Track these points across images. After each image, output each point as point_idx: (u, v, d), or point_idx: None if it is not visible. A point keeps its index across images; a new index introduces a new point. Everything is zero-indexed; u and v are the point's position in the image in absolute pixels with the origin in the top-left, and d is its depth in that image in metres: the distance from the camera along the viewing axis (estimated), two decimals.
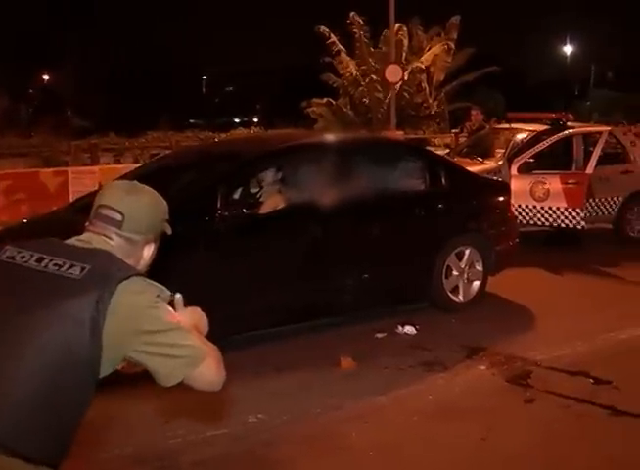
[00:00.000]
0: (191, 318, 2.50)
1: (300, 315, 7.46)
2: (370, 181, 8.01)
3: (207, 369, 2.35)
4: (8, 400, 2.18)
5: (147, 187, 2.62)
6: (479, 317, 8.17)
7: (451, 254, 8.36)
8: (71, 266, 2.28)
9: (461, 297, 8.48)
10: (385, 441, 5.29)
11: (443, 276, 8.29)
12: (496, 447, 5.17)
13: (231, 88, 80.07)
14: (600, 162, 11.91)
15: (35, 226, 7.50)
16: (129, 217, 2.47)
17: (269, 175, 7.79)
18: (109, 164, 20.75)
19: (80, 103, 52.18)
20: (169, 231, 2.65)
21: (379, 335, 7.57)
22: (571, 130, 12.80)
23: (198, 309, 2.58)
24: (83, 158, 21.57)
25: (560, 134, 12.44)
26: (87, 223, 2.53)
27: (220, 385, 2.41)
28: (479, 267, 8.55)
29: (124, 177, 8.33)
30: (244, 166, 7.50)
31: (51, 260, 2.32)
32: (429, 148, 16.20)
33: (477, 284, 8.56)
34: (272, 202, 7.43)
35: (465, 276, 8.47)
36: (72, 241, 2.46)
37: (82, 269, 2.27)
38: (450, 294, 8.40)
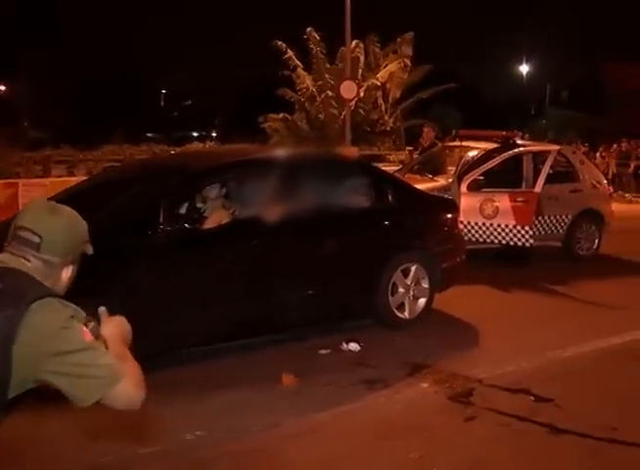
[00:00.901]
0: (116, 329, 2.53)
1: (244, 332, 7.39)
2: (316, 197, 7.98)
3: (125, 388, 2.35)
4: None
5: (67, 208, 2.60)
6: (424, 334, 8.15)
7: (397, 270, 8.33)
8: None
9: (407, 314, 8.45)
10: (322, 458, 5.24)
11: (389, 293, 8.26)
12: (432, 466, 5.13)
13: (189, 102, 79.85)
14: (549, 180, 12.02)
15: None
16: (47, 240, 2.45)
17: (214, 190, 7.73)
18: (61, 176, 20.48)
19: (37, 114, 51.67)
20: (90, 251, 2.63)
21: (322, 352, 7.52)
22: (520, 149, 12.89)
23: (123, 319, 2.60)
24: (35, 170, 21.30)
25: (510, 152, 12.51)
26: (5, 244, 2.50)
27: (139, 404, 2.41)
28: (425, 284, 8.54)
29: (69, 190, 8.24)
30: (188, 181, 7.43)
31: None
32: (380, 165, 16.24)
33: (423, 301, 8.54)
34: (216, 217, 7.37)
35: (411, 293, 8.45)
36: None
37: None
38: (396, 311, 8.36)
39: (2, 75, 58.23)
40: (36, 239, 2.45)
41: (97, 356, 2.33)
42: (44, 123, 47.86)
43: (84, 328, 2.36)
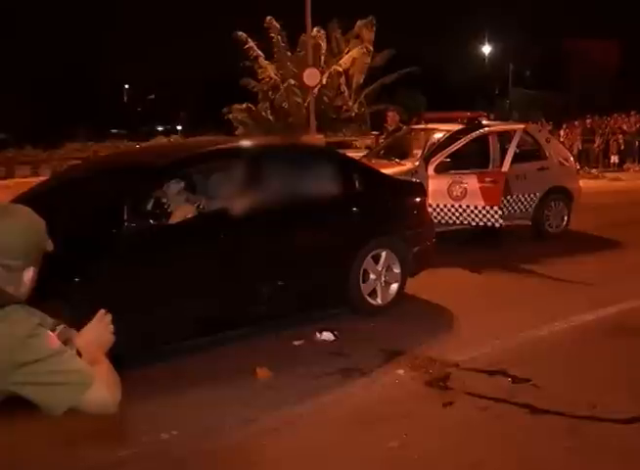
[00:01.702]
0: (92, 334, 2.48)
1: (214, 326, 7.27)
2: (282, 186, 7.89)
3: (97, 393, 2.31)
4: None
5: (21, 207, 2.51)
6: (398, 320, 8.10)
7: (367, 257, 8.25)
8: None
9: (379, 300, 8.38)
10: (301, 452, 5.16)
11: (360, 280, 8.18)
12: (413, 453, 5.07)
13: (153, 96, 79.42)
14: (516, 159, 12.02)
15: None
16: (4, 244, 2.35)
17: (178, 185, 7.61)
18: (26, 176, 20.27)
19: None
20: (50, 248, 2.52)
21: (296, 342, 7.42)
22: (486, 129, 12.85)
23: (104, 319, 2.54)
24: None
25: (475, 133, 12.45)
26: None
27: (114, 407, 2.38)
28: (396, 270, 8.47)
29: (32, 190, 8.08)
30: (151, 176, 7.29)
31: None
32: (347, 151, 16.16)
33: (395, 287, 8.48)
34: (181, 211, 7.24)
35: (382, 279, 8.38)
36: None
37: None
38: (368, 298, 8.30)
39: None
40: None
41: (65, 362, 2.28)
42: (6, 125, 47.38)
43: (50, 334, 2.30)
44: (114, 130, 52.79)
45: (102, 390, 2.33)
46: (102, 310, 2.59)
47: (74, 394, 2.28)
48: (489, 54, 65.75)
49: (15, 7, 60.54)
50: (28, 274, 2.44)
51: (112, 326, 2.57)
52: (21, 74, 56.35)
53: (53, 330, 2.37)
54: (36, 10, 66.68)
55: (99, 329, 2.53)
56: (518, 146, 12.34)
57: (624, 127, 29.45)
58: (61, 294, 5.78)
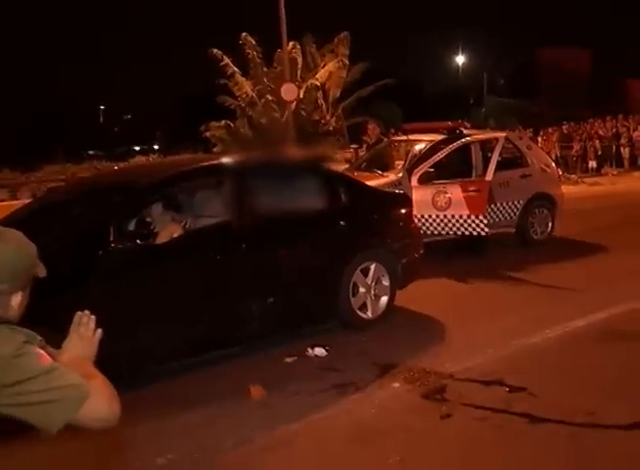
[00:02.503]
0: (76, 345, 2.45)
1: (205, 346, 7.17)
2: (268, 202, 7.82)
3: (94, 406, 2.25)
4: None
5: (12, 231, 2.46)
6: (389, 333, 8.04)
7: (356, 270, 8.19)
8: None
9: (370, 313, 8.31)
10: None
11: (350, 294, 8.11)
12: (414, 468, 5.01)
13: (129, 116, 79.33)
14: (499, 167, 12.01)
15: None
16: None
17: (162, 204, 7.52)
18: (4, 200, 20.11)
19: None
20: (42, 274, 2.48)
21: (288, 359, 7.33)
22: (468, 138, 12.84)
23: (81, 328, 2.48)
24: None
25: (457, 143, 12.45)
26: None
27: (114, 420, 2.32)
28: (385, 282, 8.41)
29: (14, 214, 7.97)
30: (135, 197, 7.19)
31: None
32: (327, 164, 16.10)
33: (384, 299, 8.41)
34: (167, 231, 7.16)
35: (372, 292, 8.31)
36: None
37: None
38: (359, 311, 8.23)
39: None
40: None
41: (57, 378, 2.22)
42: None
43: (40, 352, 2.25)
44: (91, 151, 52.62)
45: (100, 403, 2.27)
46: (77, 314, 2.52)
47: (70, 409, 2.22)
48: (463, 65, 66.19)
49: None
50: (17, 299, 2.39)
51: (92, 330, 2.50)
52: None
53: (42, 347, 2.29)
54: (11, 32, 66.40)
55: (79, 341, 2.47)
56: (500, 154, 12.33)
57: (601, 132, 29.68)
58: (46, 317, 5.66)
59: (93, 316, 2.52)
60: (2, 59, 60.62)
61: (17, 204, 15.21)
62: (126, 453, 5.44)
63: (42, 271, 2.49)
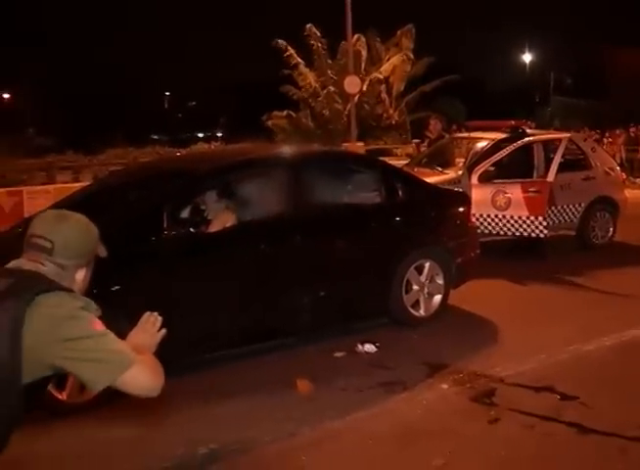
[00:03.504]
0: (140, 337, 2.66)
1: (254, 337, 7.15)
2: (323, 195, 7.78)
3: (138, 374, 2.45)
4: None
5: (77, 214, 2.75)
6: (441, 332, 7.93)
7: (410, 267, 8.10)
8: None
9: (422, 312, 8.22)
10: (340, 467, 5.04)
11: (403, 291, 8.03)
12: None
13: (194, 103, 79.92)
14: (561, 168, 11.80)
15: None
16: (59, 245, 2.59)
17: (218, 192, 7.50)
18: (67, 182, 20.32)
19: (42, 121, 51.71)
20: (103, 254, 2.78)
21: (337, 354, 7.28)
22: (530, 138, 12.65)
23: (147, 325, 2.71)
24: (40, 177, 21.17)
25: (520, 142, 12.28)
26: (23, 253, 2.65)
27: (157, 391, 2.51)
28: (439, 281, 8.31)
29: (72, 196, 8.04)
30: (191, 184, 7.20)
31: None
32: (388, 159, 16.01)
33: (438, 298, 8.31)
34: (221, 220, 7.13)
35: (425, 290, 8.22)
36: (9, 265, 2.60)
37: (6, 283, 2.42)
38: (411, 309, 8.14)
39: (6, 84, 58.29)
40: (48, 244, 2.58)
41: (107, 342, 2.44)
42: (49, 130, 47.87)
43: (94, 317, 2.48)
44: (154, 137, 53.16)
45: (144, 372, 2.47)
46: (146, 314, 2.77)
47: (115, 372, 2.41)
48: (530, 62, 65.31)
49: (59, 13, 61.26)
50: (80, 274, 2.70)
51: (157, 328, 2.73)
52: (64, 80, 56.92)
53: (98, 316, 2.51)
54: (79, 15, 67.35)
55: (143, 334, 2.70)
56: (562, 155, 12.11)
57: None
58: (99, 302, 5.69)
59: (160, 317, 2.76)
60: (77, 43, 61.51)
61: (78, 186, 15.42)
62: (167, 440, 5.44)
63: (103, 251, 2.78)
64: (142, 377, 2.46)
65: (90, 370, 2.41)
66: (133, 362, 2.44)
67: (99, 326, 2.45)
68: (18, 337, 2.33)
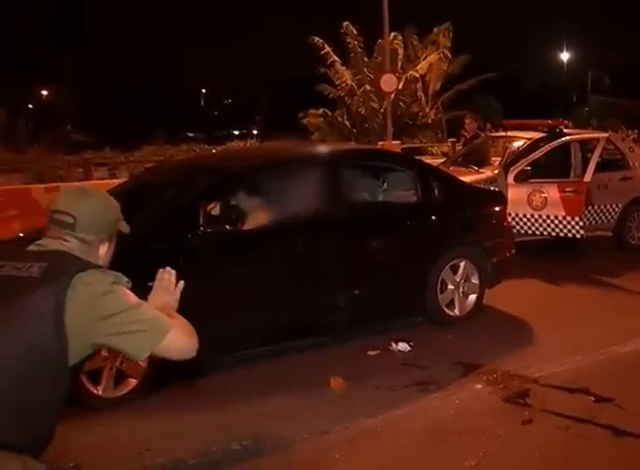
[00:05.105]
0: (159, 297, 2.74)
1: (289, 334, 7.18)
2: (359, 194, 7.80)
3: (176, 337, 2.54)
4: None
5: (97, 190, 2.85)
6: (475, 332, 7.91)
7: (446, 267, 8.09)
8: (30, 267, 2.44)
9: (457, 311, 8.21)
10: (373, 466, 5.06)
11: (438, 290, 8.02)
12: None
13: (230, 101, 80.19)
14: (598, 168, 11.67)
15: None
16: (81, 219, 2.62)
17: (253, 190, 7.53)
18: (103, 178, 20.48)
19: (80, 118, 52.14)
20: (125, 230, 2.82)
21: (371, 353, 7.29)
22: (568, 137, 12.56)
23: (163, 282, 2.80)
24: (77, 173, 21.37)
25: (557, 141, 12.19)
26: (45, 229, 2.68)
27: (194, 352, 2.61)
28: (474, 280, 8.29)
29: (109, 192, 8.10)
30: (226, 181, 7.25)
31: (10, 265, 2.48)
32: (424, 157, 15.99)
33: (473, 298, 8.29)
34: (256, 217, 7.16)
35: (460, 290, 8.21)
36: (31, 247, 2.62)
37: (40, 268, 2.43)
38: (446, 308, 8.13)
39: (44, 81, 58.86)
40: (70, 219, 2.61)
41: (142, 312, 2.50)
42: (86, 127, 48.26)
43: (126, 290, 2.53)
44: (190, 134, 53.40)
45: (180, 335, 2.56)
46: (160, 271, 2.84)
47: (155, 339, 2.50)
48: (568, 61, 64.77)
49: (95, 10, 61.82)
50: (103, 249, 2.74)
51: (173, 284, 2.80)
52: (101, 77, 57.33)
53: (129, 288, 2.55)
54: (116, 13, 67.89)
55: (162, 292, 2.77)
56: (600, 155, 12.00)
57: None
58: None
59: (174, 271, 2.82)
60: (122, 41, 61.91)
61: (114, 183, 15.52)
62: (201, 436, 5.48)
63: (125, 227, 2.82)
64: (180, 340, 2.56)
65: (132, 342, 2.49)
66: (170, 327, 2.53)
67: (132, 298, 2.52)
68: (61, 320, 2.37)
